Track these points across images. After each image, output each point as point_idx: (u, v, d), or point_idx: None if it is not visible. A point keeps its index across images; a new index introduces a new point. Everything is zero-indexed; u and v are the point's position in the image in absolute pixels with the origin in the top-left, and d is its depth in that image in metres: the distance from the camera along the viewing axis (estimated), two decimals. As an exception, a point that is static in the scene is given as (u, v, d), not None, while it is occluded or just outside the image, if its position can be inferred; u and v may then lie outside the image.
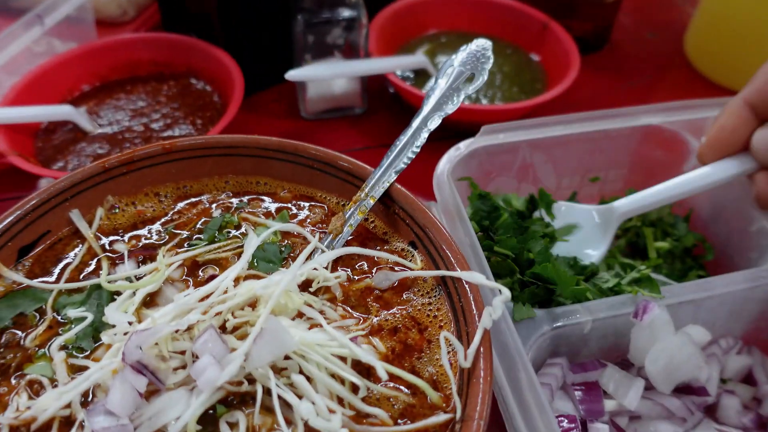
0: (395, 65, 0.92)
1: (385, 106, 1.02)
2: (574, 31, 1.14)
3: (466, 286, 0.55)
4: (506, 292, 0.52)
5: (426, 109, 0.67)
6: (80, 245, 0.62)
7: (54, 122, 0.90)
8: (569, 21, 1.13)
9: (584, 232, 0.77)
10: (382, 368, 0.49)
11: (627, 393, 0.60)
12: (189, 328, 0.51)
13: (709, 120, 0.84)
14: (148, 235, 0.64)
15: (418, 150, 0.65)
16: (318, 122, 0.99)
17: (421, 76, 1.01)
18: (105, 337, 0.53)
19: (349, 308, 0.57)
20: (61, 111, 0.88)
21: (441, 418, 0.49)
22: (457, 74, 0.69)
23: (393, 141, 0.65)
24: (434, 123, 0.66)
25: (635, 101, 1.05)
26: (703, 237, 0.79)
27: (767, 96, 0.66)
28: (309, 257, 0.60)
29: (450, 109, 0.67)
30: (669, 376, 0.61)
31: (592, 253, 0.75)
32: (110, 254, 0.62)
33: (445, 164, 0.72)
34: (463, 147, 0.73)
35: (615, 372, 0.62)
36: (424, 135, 0.66)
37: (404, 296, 0.58)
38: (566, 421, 0.56)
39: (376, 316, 0.57)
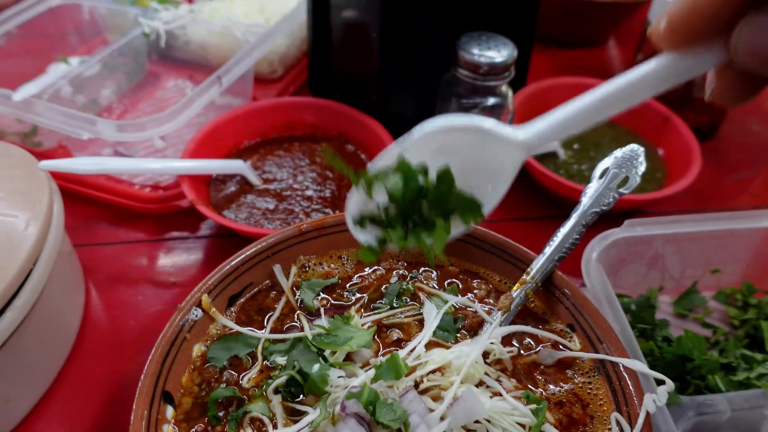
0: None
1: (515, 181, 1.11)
2: (689, 121, 1.22)
3: (624, 371, 0.63)
4: (670, 384, 0.59)
5: (583, 206, 0.76)
6: (281, 298, 0.72)
7: (224, 174, 1.01)
8: (685, 112, 1.21)
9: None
10: (561, 437, 0.58)
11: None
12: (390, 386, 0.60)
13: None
14: (337, 296, 0.73)
15: (577, 242, 0.73)
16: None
17: (549, 156, 1.10)
18: (324, 385, 0.62)
19: (518, 380, 0.66)
20: (235, 165, 0.99)
21: (610, 489, 0.57)
22: (612, 176, 0.77)
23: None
24: (590, 219, 0.75)
25: (741, 192, 1.12)
26: (817, 336, 0.86)
27: None
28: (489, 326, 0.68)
29: (606, 206, 0.76)
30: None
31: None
32: (306, 309, 0.71)
33: (592, 251, 0.80)
34: (610, 236, 0.81)
35: (747, 460, 0.69)
36: (582, 229, 0.74)
37: (567, 373, 0.67)
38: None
39: (543, 389, 0.65)
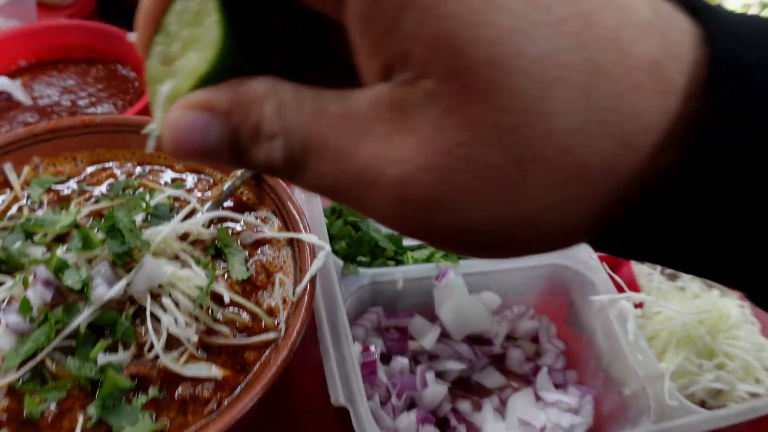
0: None
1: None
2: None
3: (306, 245, 0.74)
4: (327, 248, 0.70)
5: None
6: (7, 192, 0.78)
7: (-10, 91, 1.04)
8: None
9: None
10: (227, 294, 0.67)
11: (426, 337, 0.80)
12: (91, 260, 0.68)
13: None
14: (65, 191, 0.80)
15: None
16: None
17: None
18: (23, 258, 0.69)
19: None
20: (-1, 82, 1.02)
21: (269, 336, 0.68)
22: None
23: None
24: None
25: None
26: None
27: None
28: (190, 216, 0.77)
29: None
30: (460, 327, 0.81)
31: None
32: (32, 203, 0.78)
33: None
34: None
35: (420, 321, 0.82)
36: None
37: (260, 250, 0.76)
38: (370, 351, 0.75)
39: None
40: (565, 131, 0.24)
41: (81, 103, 1.05)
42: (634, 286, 0.93)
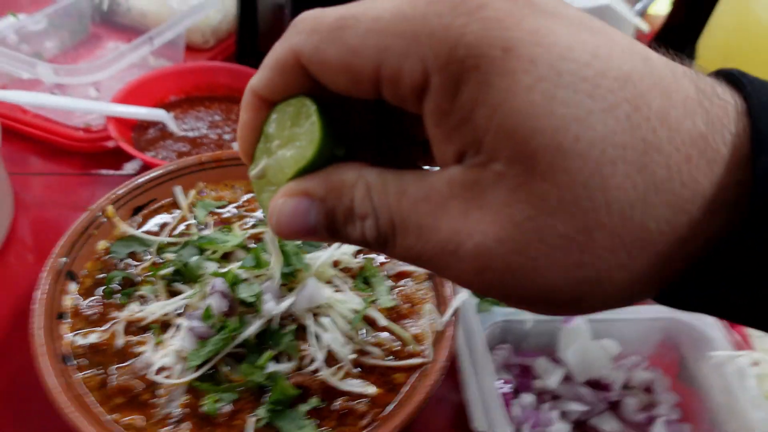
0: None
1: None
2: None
3: (446, 281, 0.79)
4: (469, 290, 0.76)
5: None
6: (177, 212, 0.87)
7: (147, 121, 1.15)
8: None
9: None
10: (382, 318, 0.73)
11: (551, 377, 0.84)
12: (258, 276, 0.75)
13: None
14: (225, 214, 0.88)
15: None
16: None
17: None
18: (200, 271, 0.76)
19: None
20: (157, 113, 1.13)
21: (417, 360, 0.73)
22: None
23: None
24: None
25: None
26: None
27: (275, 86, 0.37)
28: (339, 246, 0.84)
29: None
30: (583, 370, 0.84)
31: None
32: (198, 223, 0.86)
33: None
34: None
35: (545, 361, 0.86)
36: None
37: (402, 282, 0.82)
38: (504, 382, 0.80)
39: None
40: (624, 202, 0.28)
41: (226, 137, 1.14)
42: (746, 345, 0.95)
